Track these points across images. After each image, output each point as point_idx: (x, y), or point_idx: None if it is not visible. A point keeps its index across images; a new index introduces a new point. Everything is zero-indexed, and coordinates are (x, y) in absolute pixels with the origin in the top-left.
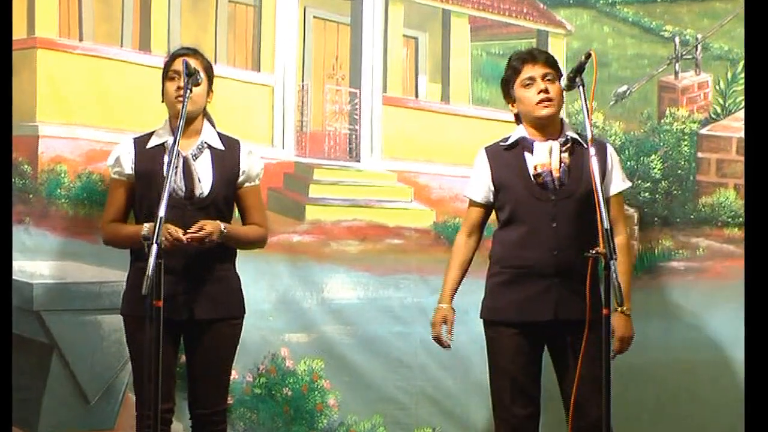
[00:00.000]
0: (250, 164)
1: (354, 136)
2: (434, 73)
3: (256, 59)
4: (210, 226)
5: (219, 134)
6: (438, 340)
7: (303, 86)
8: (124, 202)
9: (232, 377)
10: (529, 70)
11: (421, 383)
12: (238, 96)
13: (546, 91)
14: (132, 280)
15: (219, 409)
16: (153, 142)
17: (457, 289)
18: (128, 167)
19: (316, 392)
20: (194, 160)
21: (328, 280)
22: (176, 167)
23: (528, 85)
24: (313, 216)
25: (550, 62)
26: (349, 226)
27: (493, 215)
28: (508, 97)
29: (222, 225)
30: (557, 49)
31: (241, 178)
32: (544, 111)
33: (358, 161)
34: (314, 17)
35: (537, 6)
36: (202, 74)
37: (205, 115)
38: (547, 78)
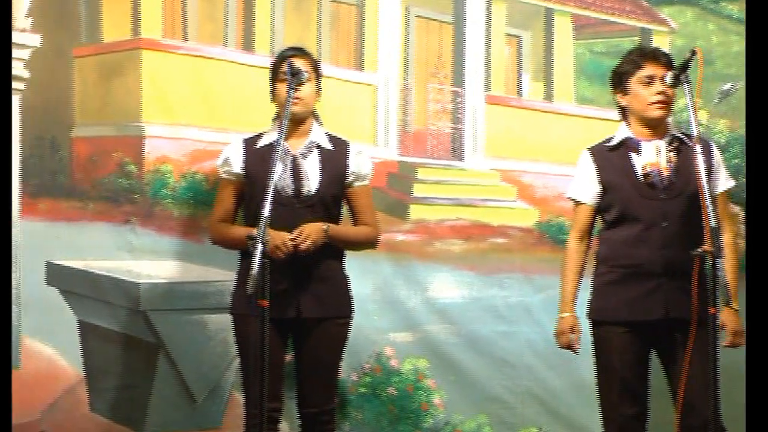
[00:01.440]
0: (360, 164)
1: (457, 135)
2: (537, 72)
3: (359, 58)
4: (309, 229)
5: (328, 134)
6: (569, 347)
7: (406, 85)
8: (232, 202)
9: None
10: (651, 69)
11: (526, 382)
12: (341, 95)
13: (665, 93)
14: (240, 278)
15: (327, 408)
16: (262, 142)
17: (576, 294)
18: (237, 167)
19: (422, 391)
20: (303, 159)
21: (432, 279)
22: (285, 165)
23: (647, 83)
24: (417, 215)
25: (671, 65)
26: (452, 225)
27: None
28: (619, 88)
29: (324, 226)
30: (661, 47)
31: (350, 178)
32: (658, 113)
33: (462, 160)
34: (417, 16)
35: (640, 4)
36: (308, 73)
37: (314, 115)
38: (665, 80)
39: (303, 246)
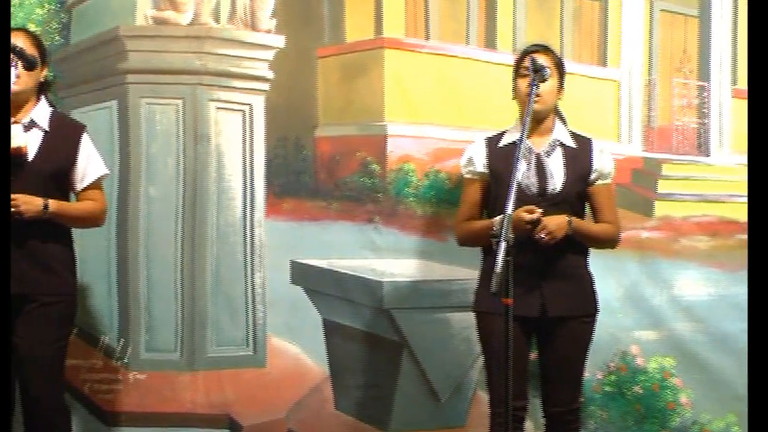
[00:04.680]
0: (602, 162)
1: (703, 131)
2: None
3: (602, 54)
4: (551, 224)
5: (571, 132)
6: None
7: (650, 80)
8: (477, 202)
9: None
10: None
11: None
12: (585, 92)
13: None
14: (484, 276)
15: (573, 407)
16: (505, 140)
17: None
18: (481, 166)
19: (668, 390)
20: (546, 158)
21: (678, 277)
22: (529, 164)
23: None
24: (662, 212)
25: None
26: (698, 221)
27: None
28: None
29: (567, 218)
30: None
31: (593, 176)
32: None
33: (708, 156)
34: (661, 10)
35: None
36: (550, 70)
37: (557, 112)
38: None
39: (543, 240)
